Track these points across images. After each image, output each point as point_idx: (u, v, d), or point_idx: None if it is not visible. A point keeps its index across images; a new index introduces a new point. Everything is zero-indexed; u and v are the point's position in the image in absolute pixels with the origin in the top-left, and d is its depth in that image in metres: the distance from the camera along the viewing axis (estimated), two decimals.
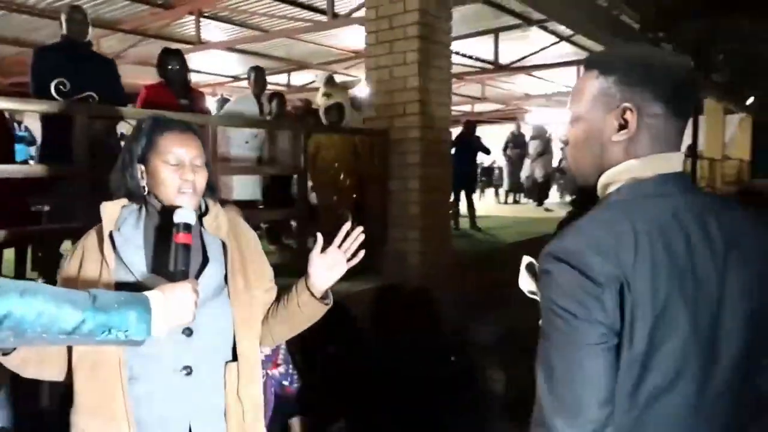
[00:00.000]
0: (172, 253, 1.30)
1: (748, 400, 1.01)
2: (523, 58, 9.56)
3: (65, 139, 2.65)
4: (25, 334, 0.97)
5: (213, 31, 8.34)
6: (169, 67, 4.18)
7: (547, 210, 9.43)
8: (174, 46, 8.27)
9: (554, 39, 8.76)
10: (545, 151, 10.59)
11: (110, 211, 1.43)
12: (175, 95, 4.18)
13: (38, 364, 1.39)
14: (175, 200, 1.38)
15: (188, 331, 1.35)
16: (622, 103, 1.00)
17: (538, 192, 10.55)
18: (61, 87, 2.45)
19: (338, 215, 3.68)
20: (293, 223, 4.93)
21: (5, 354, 1.32)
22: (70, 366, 1.39)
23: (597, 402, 0.90)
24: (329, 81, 4.44)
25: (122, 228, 1.42)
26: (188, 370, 1.37)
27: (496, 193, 11.79)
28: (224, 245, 1.48)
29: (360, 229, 1.49)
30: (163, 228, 1.42)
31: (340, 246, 1.47)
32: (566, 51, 9.42)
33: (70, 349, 1.38)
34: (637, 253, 0.91)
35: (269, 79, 11.35)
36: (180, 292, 1.21)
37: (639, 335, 0.90)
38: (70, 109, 2.31)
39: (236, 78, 11.32)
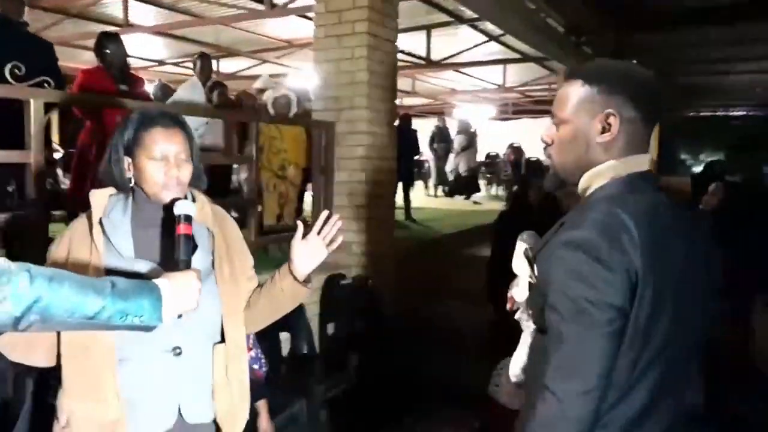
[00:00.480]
0: (175, 244, 1.36)
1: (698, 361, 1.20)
2: (454, 55, 9.82)
3: (8, 124, 2.54)
4: (52, 319, 1.01)
5: (141, 13, 8.02)
6: (107, 50, 4.06)
7: (475, 203, 9.78)
8: (99, 27, 7.96)
9: (483, 38, 9.04)
10: (470, 145, 10.89)
11: (99, 198, 1.47)
12: (114, 80, 4.06)
13: (26, 348, 1.41)
14: (160, 195, 1.43)
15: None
16: (606, 109, 1.16)
17: (465, 186, 10.87)
18: (17, 71, 2.35)
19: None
20: (234, 214, 4.91)
21: None
22: (58, 350, 1.41)
23: (598, 374, 1.04)
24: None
25: (111, 215, 1.46)
26: (178, 351, 1.42)
27: (426, 186, 12.04)
28: (210, 233, 1.54)
29: (337, 216, 1.58)
30: (151, 217, 1.47)
31: (319, 232, 1.55)
32: (494, 50, 9.76)
33: (58, 334, 1.39)
34: (641, 244, 1.05)
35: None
36: (185, 280, 1.26)
37: (643, 312, 1.06)
38: (26, 94, 2.23)
39: (161, 62, 10.94)
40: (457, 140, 10.95)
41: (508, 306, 1.35)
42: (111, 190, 1.49)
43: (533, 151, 12.81)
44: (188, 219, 1.39)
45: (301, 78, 8.31)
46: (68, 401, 1.41)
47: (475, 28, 8.55)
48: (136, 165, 1.44)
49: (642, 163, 1.18)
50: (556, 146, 1.25)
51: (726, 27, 7.74)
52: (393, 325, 4.34)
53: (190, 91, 4.92)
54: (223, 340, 1.50)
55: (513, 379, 1.38)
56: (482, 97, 14.64)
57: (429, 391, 3.92)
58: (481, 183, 12.60)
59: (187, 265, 1.33)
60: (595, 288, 1.04)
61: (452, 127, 11.58)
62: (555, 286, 1.10)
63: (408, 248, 4.92)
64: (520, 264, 1.25)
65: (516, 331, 3.50)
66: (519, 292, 1.29)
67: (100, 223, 1.44)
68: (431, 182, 10.97)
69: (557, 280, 1.10)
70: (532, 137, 13.45)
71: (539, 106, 15.46)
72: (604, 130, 1.17)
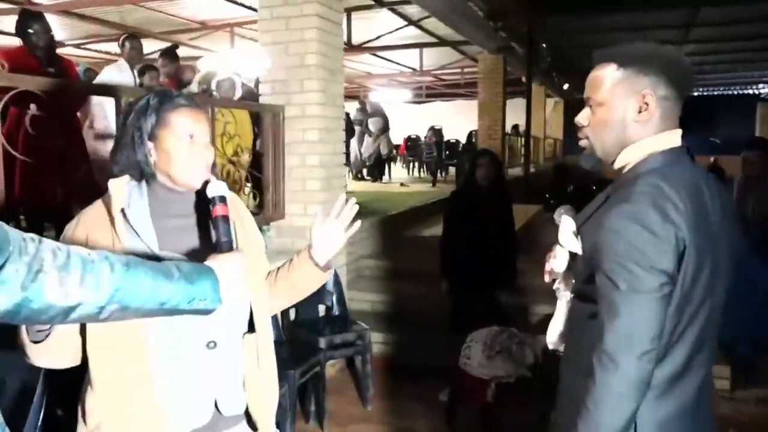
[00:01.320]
0: (214, 227, 1.33)
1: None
2: (373, 39, 9.84)
3: None
4: (129, 306, 0.98)
5: None
6: (31, 31, 3.76)
7: (402, 185, 9.90)
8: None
9: (403, 22, 9.13)
10: (386, 127, 10.64)
11: (119, 187, 1.39)
12: (40, 62, 3.77)
13: (58, 351, 1.35)
14: (189, 178, 1.39)
15: None
16: (643, 89, 1.24)
17: (380, 168, 10.67)
18: None
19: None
20: None
21: (36, 342, 1.26)
22: (83, 350, 1.35)
23: (653, 337, 1.13)
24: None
25: (131, 205, 1.39)
26: (212, 344, 1.39)
27: (350, 169, 12.03)
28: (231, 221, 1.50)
29: (354, 200, 1.60)
30: (170, 206, 1.43)
31: (337, 217, 1.56)
32: (412, 34, 9.90)
33: (83, 333, 1.33)
34: (685, 213, 1.15)
35: (100, 47, 10.43)
36: (232, 261, 1.23)
37: (688, 277, 1.16)
38: None
39: (61, 44, 10.16)
40: (373, 123, 10.67)
41: (547, 278, 1.43)
42: (127, 178, 1.42)
43: (449, 133, 13.18)
44: (223, 200, 1.36)
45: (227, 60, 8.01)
46: (99, 402, 1.34)
47: (394, 11, 8.62)
48: (161, 148, 1.37)
49: (675, 138, 1.27)
50: (592, 128, 1.32)
51: (624, 13, 8.30)
52: (354, 306, 4.38)
53: (116, 73, 4.64)
54: (251, 330, 1.48)
55: (550, 346, 1.47)
56: (398, 81, 14.81)
57: (394, 369, 4.01)
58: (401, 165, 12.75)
59: (230, 246, 1.30)
60: (649, 257, 1.13)
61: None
62: (610, 257, 1.16)
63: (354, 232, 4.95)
64: (568, 238, 1.32)
65: (472, 306, 3.65)
66: (557, 263, 1.37)
67: (123, 213, 1.37)
68: (353, 165, 10.92)
69: (612, 251, 1.16)
70: (446, 120, 13.81)
71: (452, 90, 15.87)
72: (641, 110, 1.25)
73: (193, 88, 4.68)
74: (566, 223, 1.31)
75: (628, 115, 1.26)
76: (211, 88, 4.16)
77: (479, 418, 3.18)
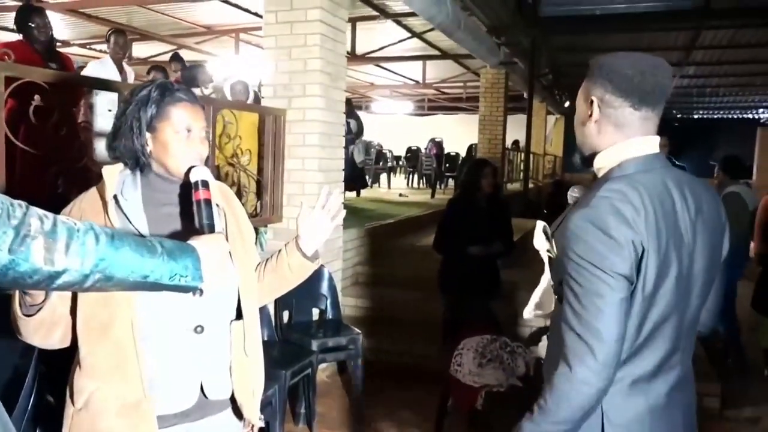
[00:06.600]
0: (196, 210, 1.35)
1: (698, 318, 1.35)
2: (380, 49, 9.92)
3: None
4: (113, 277, 1.00)
5: None
6: (32, 24, 3.80)
7: (401, 195, 9.90)
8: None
9: (406, 34, 9.21)
10: (361, 131, 9.26)
11: (112, 174, 1.43)
12: (41, 57, 3.80)
13: (49, 328, 1.39)
14: (183, 169, 1.42)
15: (200, 291, 1.40)
16: (591, 95, 1.29)
17: (360, 177, 9.22)
18: None
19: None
20: None
21: (28, 315, 1.29)
22: (73, 331, 1.37)
23: (615, 339, 1.14)
24: None
25: (124, 192, 1.42)
26: (200, 329, 1.42)
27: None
28: (220, 209, 1.53)
29: (338, 191, 1.63)
30: (163, 195, 1.46)
31: (323, 207, 1.59)
32: (415, 46, 9.98)
33: (74, 313, 1.35)
34: (647, 218, 1.17)
35: (105, 47, 10.47)
36: (214, 242, 1.25)
37: (649, 280, 1.17)
38: None
39: (66, 43, 10.25)
40: (349, 126, 8.85)
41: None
42: (121, 165, 1.45)
43: (449, 145, 13.24)
44: (205, 184, 1.38)
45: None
46: (88, 382, 1.36)
47: (399, 23, 8.69)
48: (158, 139, 1.41)
49: (649, 144, 1.28)
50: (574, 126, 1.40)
51: (626, 33, 8.38)
52: (347, 312, 4.38)
53: (99, 68, 4.68)
54: (239, 317, 1.50)
55: (526, 315, 1.49)
56: (400, 92, 14.89)
57: (386, 375, 4.00)
58: (401, 176, 12.71)
59: (212, 229, 1.33)
60: (607, 259, 1.14)
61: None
62: (570, 259, 1.19)
63: (350, 239, 4.96)
64: (539, 241, 1.35)
65: (465, 314, 3.66)
66: (538, 242, 1.39)
67: (115, 199, 1.40)
68: None
69: (572, 253, 1.18)
70: (447, 133, 13.74)
71: (454, 103, 15.95)
72: (591, 115, 1.30)
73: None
74: (539, 226, 1.34)
75: (584, 119, 1.33)
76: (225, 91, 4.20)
77: (469, 426, 3.18)
